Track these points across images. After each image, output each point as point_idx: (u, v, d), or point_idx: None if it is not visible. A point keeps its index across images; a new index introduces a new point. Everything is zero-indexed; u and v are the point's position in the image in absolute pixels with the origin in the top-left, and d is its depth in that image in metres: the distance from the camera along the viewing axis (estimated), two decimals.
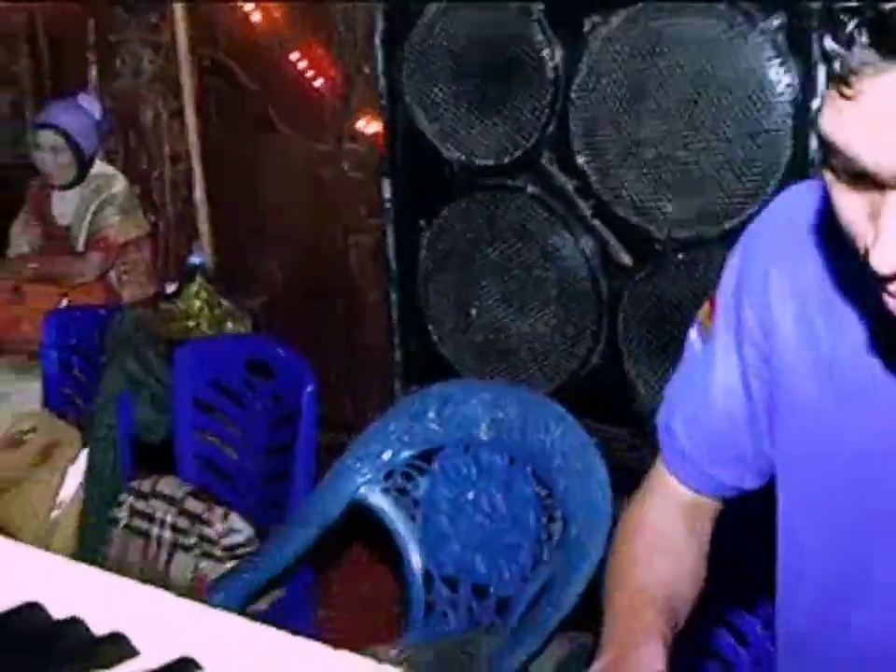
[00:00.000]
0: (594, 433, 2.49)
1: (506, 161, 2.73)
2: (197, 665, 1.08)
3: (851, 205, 0.99)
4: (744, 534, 1.58)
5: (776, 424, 1.32)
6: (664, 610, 1.32)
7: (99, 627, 1.13)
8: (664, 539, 1.41)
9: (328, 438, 3.29)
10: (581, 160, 2.61)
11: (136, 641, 1.11)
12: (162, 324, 4.00)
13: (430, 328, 2.91)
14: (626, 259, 2.62)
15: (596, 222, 2.63)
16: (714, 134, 2.44)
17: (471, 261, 2.83)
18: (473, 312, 2.84)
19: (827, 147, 0.97)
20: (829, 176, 1.00)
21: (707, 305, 1.39)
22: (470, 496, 2.65)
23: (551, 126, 2.65)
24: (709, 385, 1.38)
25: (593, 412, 2.61)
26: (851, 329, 1.20)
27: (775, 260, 1.28)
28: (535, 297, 2.76)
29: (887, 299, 1.01)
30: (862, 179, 0.96)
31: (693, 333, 1.41)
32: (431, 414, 2.67)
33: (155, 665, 1.07)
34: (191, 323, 4.08)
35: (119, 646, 1.10)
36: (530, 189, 2.71)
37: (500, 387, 2.66)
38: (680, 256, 2.54)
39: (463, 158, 2.79)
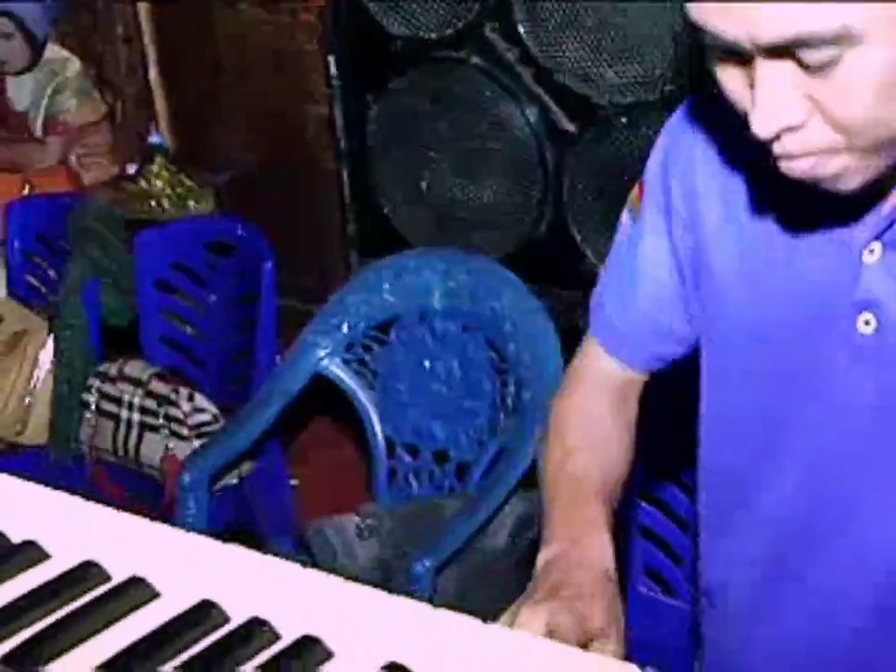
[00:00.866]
0: (544, 298, 2.55)
1: (449, 32, 2.74)
2: (97, 566, 1.13)
3: (731, 78, 1.05)
4: (671, 410, 1.62)
5: (700, 295, 1.36)
6: (602, 496, 1.35)
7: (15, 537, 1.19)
8: (595, 428, 1.44)
9: (294, 305, 3.35)
10: (522, 28, 2.63)
11: (48, 547, 1.17)
12: (125, 206, 4.02)
13: (382, 201, 2.95)
14: (570, 125, 2.65)
15: (539, 90, 2.66)
16: (653, 1, 2.46)
17: (420, 134, 2.85)
18: (423, 184, 2.88)
19: (694, 26, 1.02)
20: (707, 54, 1.05)
21: (636, 188, 1.42)
22: (427, 364, 2.71)
23: None
24: (638, 262, 1.41)
25: (542, 277, 2.67)
26: (770, 205, 1.24)
27: (700, 141, 1.31)
28: (483, 167, 2.80)
29: (780, 164, 1.06)
30: (732, 52, 1.01)
31: (624, 216, 1.44)
32: (386, 286, 2.72)
33: (61, 569, 1.13)
34: (154, 203, 4.10)
35: (30, 552, 1.16)
36: (475, 60, 2.73)
37: (452, 256, 2.69)
38: (623, 121, 2.57)
39: (407, 31, 2.80)
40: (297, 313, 3.17)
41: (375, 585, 2.40)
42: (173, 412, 2.95)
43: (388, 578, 2.41)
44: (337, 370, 2.75)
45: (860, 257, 1.18)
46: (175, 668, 1.00)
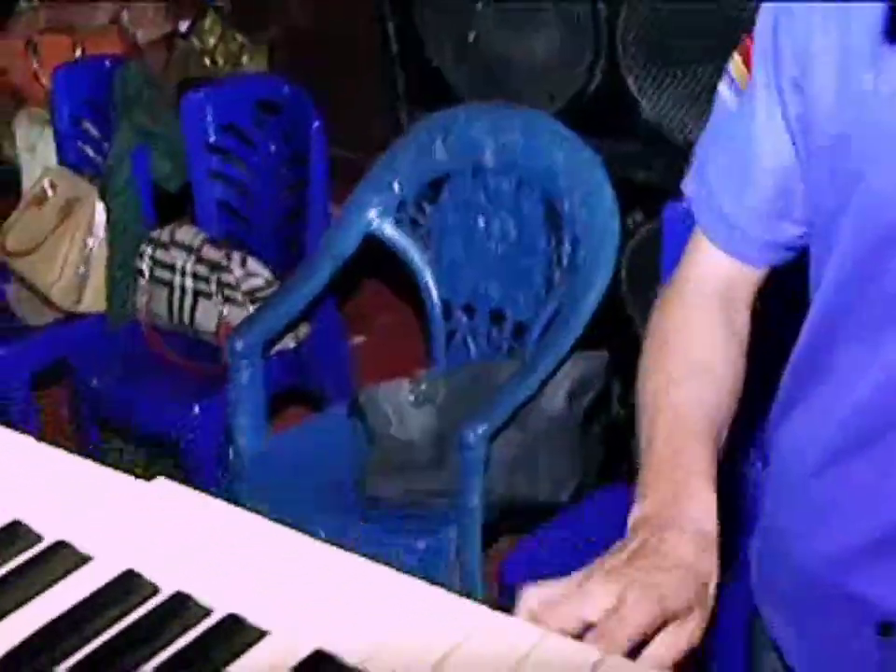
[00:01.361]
0: (599, 151, 2.45)
1: None
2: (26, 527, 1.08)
3: None
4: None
5: (809, 172, 1.24)
6: (706, 437, 1.20)
7: None
8: (702, 345, 1.30)
9: (348, 157, 3.28)
10: None
11: None
12: (178, 64, 3.95)
13: (430, 53, 2.84)
14: None
15: None
16: None
17: None
18: (471, 36, 2.76)
19: None
20: None
21: (737, 56, 1.29)
22: (481, 223, 2.64)
23: None
24: (751, 134, 1.28)
25: (597, 130, 2.56)
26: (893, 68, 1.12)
27: None
28: (533, 17, 2.67)
29: None
30: None
31: (722, 88, 1.31)
32: (437, 143, 2.64)
33: None
34: (207, 60, 4.03)
35: None
36: None
37: (503, 111, 2.60)
38: None
39: None
40: (351, 166, 3.10)
41: (429, 454, 2.36)
42: (225, 277, 2.90)
43: (442, 446, 2.37)
44: (389, 230, 2.69)
45: None
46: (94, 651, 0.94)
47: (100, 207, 3.14)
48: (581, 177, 2.45)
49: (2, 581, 1.03)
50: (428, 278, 2.69)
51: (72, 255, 3.15)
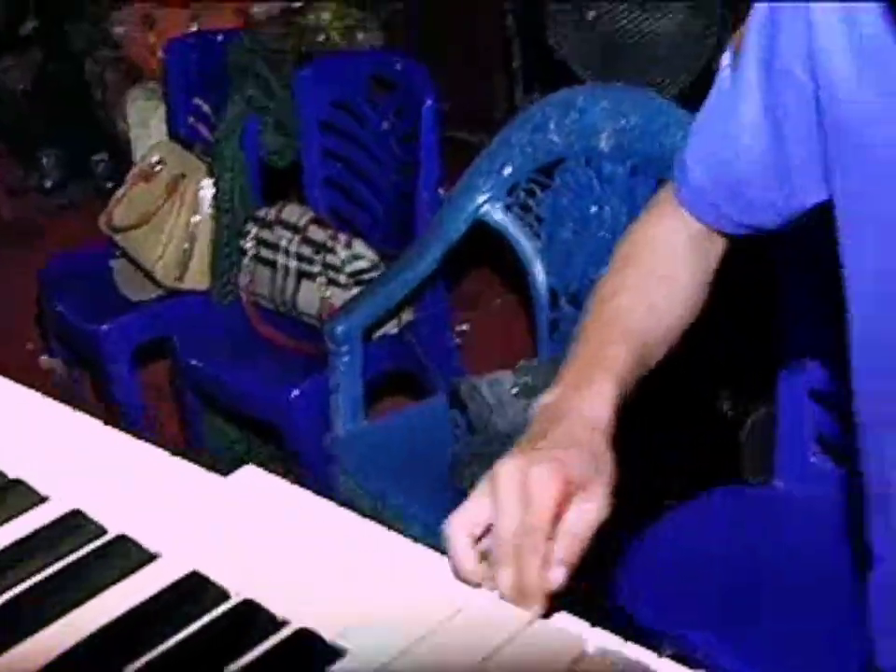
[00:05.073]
0: None
1: None
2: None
3: None
4: None
5: (833, 165, 1.13)
6: (635, 342, 1.19)
7: None
8: (661, 263, 1.28)
9: (464, 138, 3.21)
10: None
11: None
12: (293, 38, 3.89)
13: (548, 31, 2.74)
14: None
15: None
16: None
17: None
18: (591, 13, 2.66)
19: None
20: None
21: (742, 28, 1.18)
22: (593, 209, 2.54)
23: None
24: (732, 118, 1.20)
25: None
26: None
27: None
28: None
29: None
30: None
31: (724, 59, 1.22)
32: (552, 125, 2.55)
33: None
34: (322, 37, 3.96)
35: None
36: None
37: (621, 93, 2.49)
38: None
39: None
40: (467, 146, 3.02)
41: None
42: (330, 259, 2.84)
43: None
44: (499, 215, 2.60)
45: None
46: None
47: (207, 183, 3.09)
48: None
49: (64, 573, 1.02)
50: (537, 265, 2.60)
51: (177, 231, 3.10)
